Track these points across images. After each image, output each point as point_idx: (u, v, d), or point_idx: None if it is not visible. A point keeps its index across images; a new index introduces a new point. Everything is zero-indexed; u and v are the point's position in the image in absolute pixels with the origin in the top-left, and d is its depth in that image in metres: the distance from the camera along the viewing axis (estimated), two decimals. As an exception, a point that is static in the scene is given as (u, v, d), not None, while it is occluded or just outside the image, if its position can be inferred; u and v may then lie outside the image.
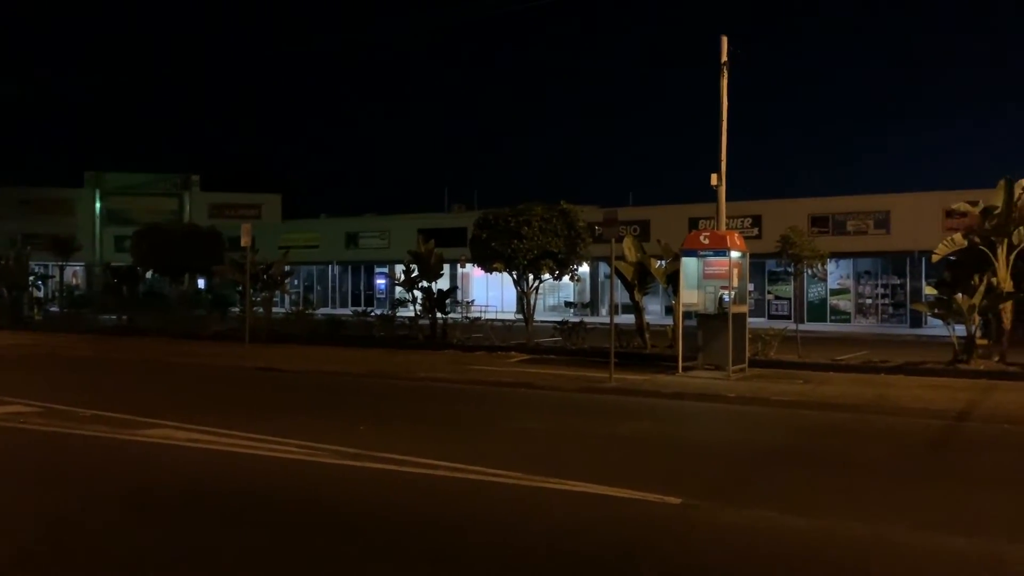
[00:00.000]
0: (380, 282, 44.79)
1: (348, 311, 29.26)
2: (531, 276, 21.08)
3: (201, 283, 38.26)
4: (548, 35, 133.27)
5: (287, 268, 27.32)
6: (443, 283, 28.83)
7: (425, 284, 21.86)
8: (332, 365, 16.42)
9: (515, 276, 21.33)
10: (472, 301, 37.29)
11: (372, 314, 24.44)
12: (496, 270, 21.29)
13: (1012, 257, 15.53)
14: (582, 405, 11.91)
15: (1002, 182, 15.59)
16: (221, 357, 18.15)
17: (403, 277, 22.21)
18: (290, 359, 17.54)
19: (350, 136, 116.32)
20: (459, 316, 25.14)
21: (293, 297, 37.51)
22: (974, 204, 16.38)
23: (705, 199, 17.57)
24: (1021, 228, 15.44)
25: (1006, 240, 15.41)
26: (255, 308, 24.25)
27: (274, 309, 27.18)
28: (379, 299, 42.62)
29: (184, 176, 55.55)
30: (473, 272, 35.68)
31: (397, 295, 27.70)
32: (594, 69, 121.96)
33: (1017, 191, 15.55)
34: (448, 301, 22.33)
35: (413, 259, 22.08)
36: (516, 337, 20.81)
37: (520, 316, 23.08)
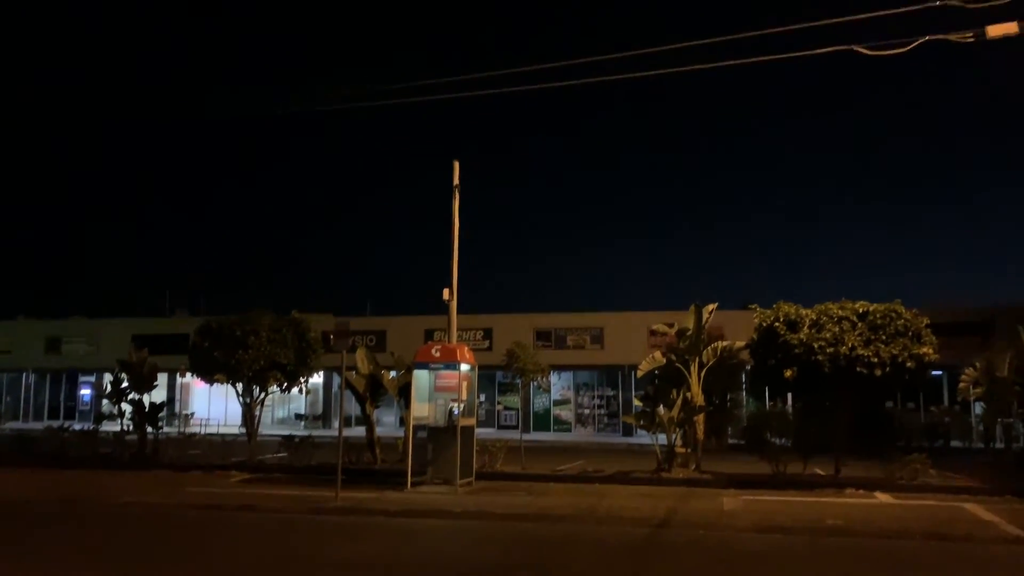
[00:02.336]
0: (85, 392, 40.32)
1: (43, 426, 25.87)
2: (257, 388, 20.10)
3: None
4: (296, 141, 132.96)
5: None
6: (160, 394, 26.53)
7: (136, 396, 20.01)
8: (10, 491, 14.25)
9: (239, 388, 20.22)
10: (192, 414, 34.73)
11: (70, 429, 21.81)
12: (218, 381, 20.06)
13: (703, 373, 17.44)
14: (304, 527, 11.29)
15: (693, 307, 17.58)
16: None
17: (110, 388, 20.21)
18: (-41, 485, 15.01)
19: (56, 230, 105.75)
20: (175, 430, 23.18)
21: (-25, 410, 32.64)
22: (671, 326, 18.30)
23: (441, 311, 18.01)
24: (709, 348, 17.47)
25: (697, 359, 17.31)
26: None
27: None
28: (83, 412, 38.34)
29: None
30: (194, 383, 33.35)
31: (104, 408, 25.06)
32: (339, 179, 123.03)
33: (705, 315, 17.61)
34: (163, 414, 20.55)
35: (122, 369, 20.21)
36: (238, 454, 19.52)
37: (245, 430, 21.76)
